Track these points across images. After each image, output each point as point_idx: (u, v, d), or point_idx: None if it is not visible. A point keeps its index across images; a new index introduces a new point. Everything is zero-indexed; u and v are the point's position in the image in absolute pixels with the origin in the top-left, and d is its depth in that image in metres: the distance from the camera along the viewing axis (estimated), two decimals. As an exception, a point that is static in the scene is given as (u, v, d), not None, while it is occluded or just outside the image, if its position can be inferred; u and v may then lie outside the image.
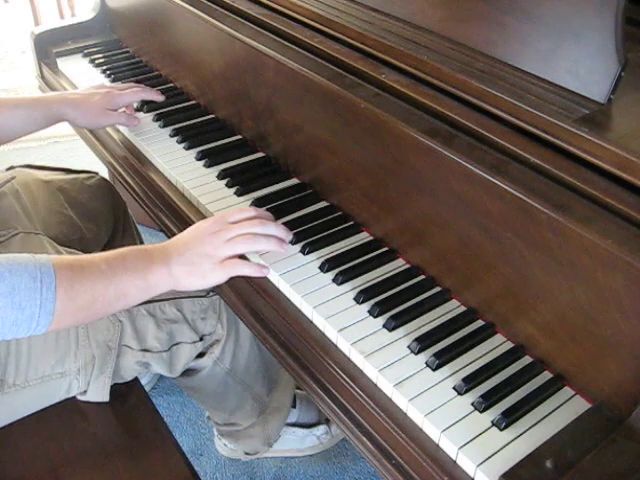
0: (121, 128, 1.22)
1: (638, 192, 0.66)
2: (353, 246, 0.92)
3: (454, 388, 0.72)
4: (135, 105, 1.25)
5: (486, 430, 0.67)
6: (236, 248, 0.84)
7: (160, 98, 1.25)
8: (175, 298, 1.02)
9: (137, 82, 1.37)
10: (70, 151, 2.58)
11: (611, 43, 0.69)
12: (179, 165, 1.11)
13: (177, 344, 1.02)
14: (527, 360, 0.75)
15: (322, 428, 1.43)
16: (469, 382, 0.71)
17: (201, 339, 1.04)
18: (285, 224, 0.95)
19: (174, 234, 1.06)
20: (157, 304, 1.00)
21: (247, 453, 1.35)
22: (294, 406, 1.41)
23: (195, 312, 1.03)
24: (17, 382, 0.91)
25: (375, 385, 0.74)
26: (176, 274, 0.81)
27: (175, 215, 1.06)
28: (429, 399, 0.70)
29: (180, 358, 1.03)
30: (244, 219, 0.87)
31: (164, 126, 1.22)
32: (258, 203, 1.00)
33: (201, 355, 1.08)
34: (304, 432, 1.42)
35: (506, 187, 0.70)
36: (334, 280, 0.86)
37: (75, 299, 0.74)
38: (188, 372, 1.11)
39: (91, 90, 1.18)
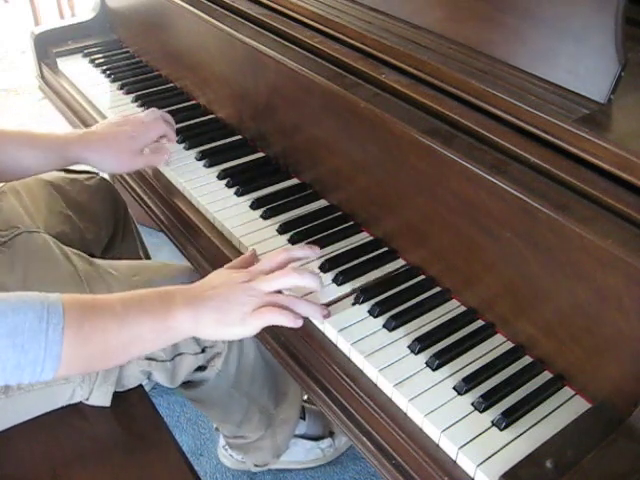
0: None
1: (638, 192, 0.66)
2: (353, 246, 0.92)
3: (454, 388, 0.72)
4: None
5: (486, 430, 0.67)
6: (272, 302, 0.75)
7: (174, 139, 1.13)
8: None
9: (137, 82, 1.37)
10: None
11: (611, 43, 0.69)
12: (179, 165, 1.11)
13: (180, 354, 1.01)
14: (527, 360, 0.75)
15: (327, 441, 1.42)
16: (469, 382, 0.71)
17: (203, 351, 1.04)
18: (285, 224, 0.95)
19: (174, 234, 1.06)
20: None
21: (256, 465, 1.35)
22: (303, 418, 1.40)
23: None
24: (22, 386, 0.91)
25: (375, 385, 0.74)
26: (201, 319, 0.73)
27: (175, 215, 1.06)
28: (429, 399, 0.70)
29: (182, 369, 1.03)
30: (277, 266, 0.79)
31: (164, 126, 1.22)
32: (258, 203, 1.00)
33: (203, 368, 1.07)
34: (311, 444, 1.41)
35: (506, 187, 0.70)
36: (334, 280, 0.86)
37: (85, 343, 0.68)
38: (193, 384, 1.11)
39: (114, 128, 1.05)
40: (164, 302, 0.73)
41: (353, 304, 0.82)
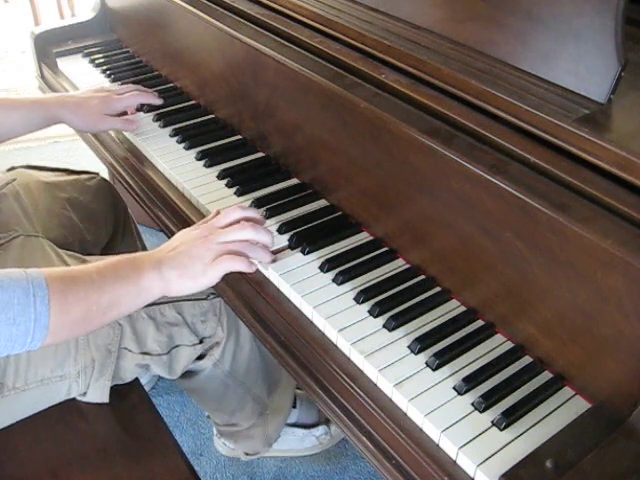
0: (121, 128, 1.22)
1: (638, 192, 0.66)
2: (353, 246, 0.92)
3: (454, 388, 0.72)
4: (135, 105, 1.25)
5: (486, 430, 0.67)
6: (229, 250, 0.82)
7: (158, 101, 1.25)
8: (175, 301, 1.01)
9: (137, 82, 1.37)
10: (70, 151, 2.59)
11: (611, 43, 0.69)
12: (179, 165, 1.11)
13: (177, 347, 1.02)
14: (527, 360, 0.75)
15: (322, 429, 1.43)
16: (469, 382, 0.71)
17: (201, 342, 1.04)
18: (285, 224, 0.95)
19: (174, 234, 1.06)
20: (157, 307, 1.00)
21: (247, 453, 1.35)
22: (294, 406, 1.40)
23: (195, 315, 1.03)
24: (17, 385, 0.91)
25: (375, 385, 0.74)
26: (167, 278, 0.79)
27: (175, 215, 1.06)
28: (429, 399, 0.70)
29: (180, 360, 1.03)
30: (233, 222, 0.85)
31: (164, 126, 1.22)
32: (258, 203, 1.00)
33: (201, 357, 1.08)
34: (304, 432, 1.41)
35: (506, 187, 0.70)
36: (334, 280, 0.86)
37: (69, 310, 0.73)
38: (188, 374, 1.11)
39: (90, 93, 1.17)
40: (135, 267, 0.79)
41: (353, 304, 0.82)
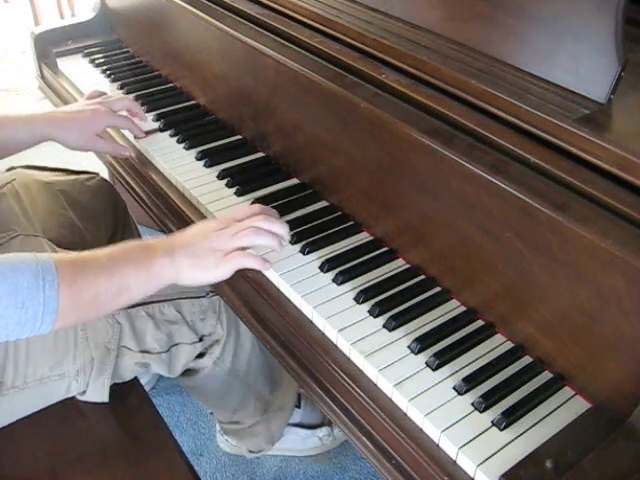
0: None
1: (638, 192, 0.66)
2: (353, 246, 0.92)
3: (454, 388, 0.72)
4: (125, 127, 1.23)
5: (486, 430, 0.67)
6: (240, 241, 0.82)
7: (141, 134, 1.18)
8: (174, 299, 1.01)
9: (137, 82, 1.37)
10: (70, 151, 2.58)
11: (611, 43, 0.69)
12: (179, 165, 1.11)
13: (176, 345, 1.02)
14: (527, 360, 0.75)
15: (325, 430, 1.43)
16: (469, 382, 0.71)
17: (200, 340, 1.04)
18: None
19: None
20: (156, 305, 1.00)
21: (251, 451, 1.36)
22: (299, 406, 1.41)
23: (194, 313, 1.03)
24: (16, 384, 0.91)
25: (375, 385, 0.74)
26: (179, 266, 0.79)
27: (175, 215, 1.06)
28: (429, 399, 0.70)
29: (179, 359, 1.03)
30: (250, 215, 0.85)
31: (164, 126, 1.22)
32: (258, 203, 1.00)
33: (201, 355, 1.08)
34: (307, 433, 1.42)
35: (506, 187, 0.70)
36: (334, 280, 0.86)
37: (78, 295, 0.73)
38: (189, 372, 1.11)
39: (81, 106, 1.13)
40: (146, 253, 0.79)
41: (353, 304, 0.82)
